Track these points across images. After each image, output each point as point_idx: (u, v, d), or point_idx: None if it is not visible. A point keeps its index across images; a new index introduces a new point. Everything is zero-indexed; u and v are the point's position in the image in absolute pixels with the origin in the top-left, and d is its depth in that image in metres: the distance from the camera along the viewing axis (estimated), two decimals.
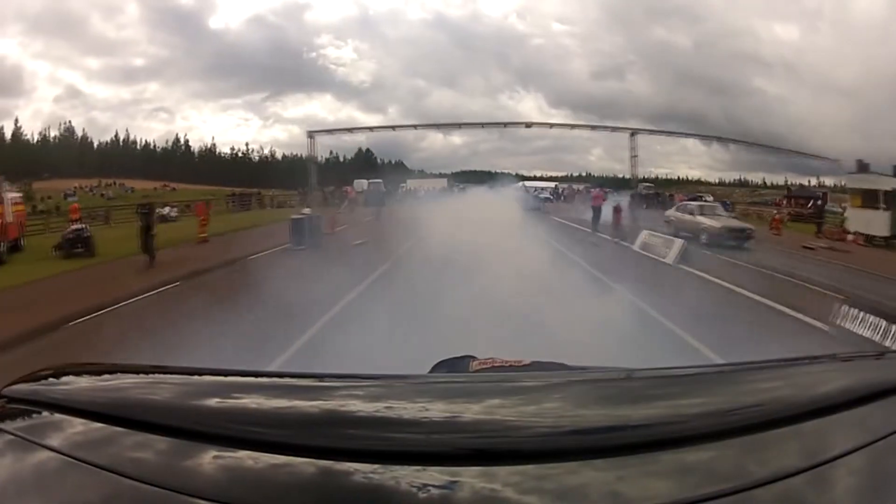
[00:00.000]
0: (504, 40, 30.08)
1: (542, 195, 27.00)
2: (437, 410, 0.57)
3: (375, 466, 0.49)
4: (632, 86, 28.96)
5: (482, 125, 26.75)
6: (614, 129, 23.86)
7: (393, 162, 31.70)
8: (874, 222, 19.33)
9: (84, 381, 0.67)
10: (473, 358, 0.92)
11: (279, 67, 30.46)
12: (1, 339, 5.30)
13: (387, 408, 0.57)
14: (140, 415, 0.56)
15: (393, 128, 27.61)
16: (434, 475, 0.48)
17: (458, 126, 27.58)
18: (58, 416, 0.58)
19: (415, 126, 27.38)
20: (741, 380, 0.70)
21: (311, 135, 26.43)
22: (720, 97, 28.13)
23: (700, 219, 13.79)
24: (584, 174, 31.01)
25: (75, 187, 29.40)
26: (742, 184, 33.73)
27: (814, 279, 7.62)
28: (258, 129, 33.37)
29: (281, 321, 5.67)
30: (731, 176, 34.59)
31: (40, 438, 0.55)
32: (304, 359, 4.60)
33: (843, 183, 24.81)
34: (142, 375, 0.69)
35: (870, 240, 18.92)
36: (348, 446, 0.50)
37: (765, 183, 33.05)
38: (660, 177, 33.04)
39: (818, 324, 6.20)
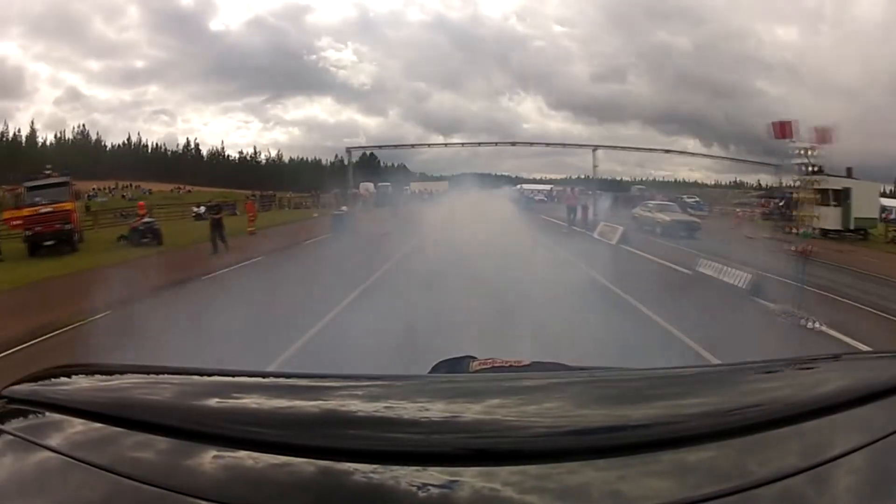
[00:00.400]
0: (504, 43, 30.45)
1: (536, 197, 29.87)
2: (436, 410, 0.58)
3: (375, 466, 0.50)
4: (632, 87, 29.66)
5: (478, 144, 27.77)
6: (580, 145, 26.35)
7: (395, 165, 32.29)
8: (826, 218, 22.25)
9: (84, 382, 0.68)
10: (473, 358, 0.95)
11: (279, 70, 31.18)
12: (170, 280, 8.63)
13: (386, 408, 0.59)
14: (140, 415, 0.57)
15: (411, 146, 29.16)
16: (434, 475, 0.49)
17: (461, 144, 28.75)
18: (58, 416, 0.59)
19: (424, 145, 29.22)
20: (741, 380, 0.72)
21: (349, 150, 28.68)
22: (720, 98, 29.44)
23: (657, 215, 17.12)
24: (583, 176, 30.76)
25: (95, 189, 31.48)
26: (738, 185, 35.99)
27: (719, 253, 10.84)
28: (258, 132, 34.34)
29: (360, 269, 9.14)
30: (729, 178, 33.82)
31: (41, 439, 0.56)
32: (324, 339, 5.69)
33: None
34: (142, 375, 0.71)
35: (825, 233, 21.98)
36: (348, 446, 0.52)
37: (759, 184, 35.06)
38: (658, 179, 33.57)
39: (682, 269, 9.75)
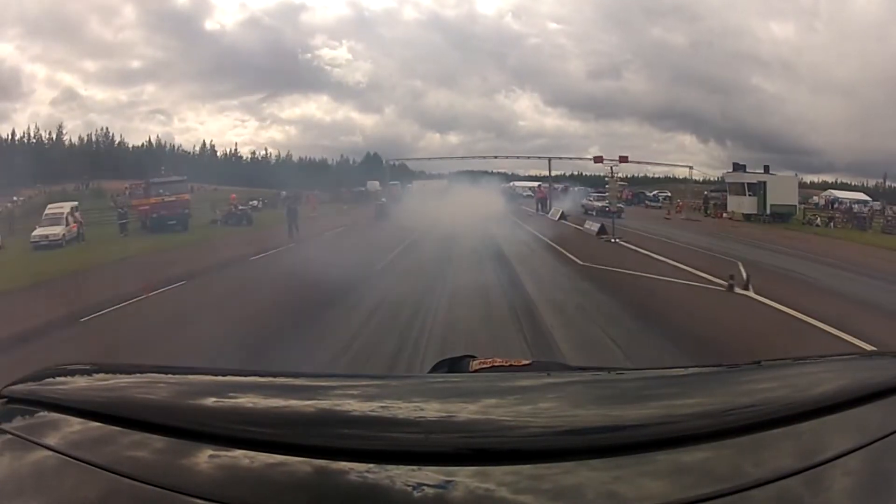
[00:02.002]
0: (500, 40, 31.56)
1: (524, 193, 34.53)
2: (433, 410, 0.61)
3: (371, 466, 0.52)
4: (628, 84, 30.79)
5: (495, 157, 32.01)
6: (539, 157, 29.22)
7: (396, 164, 34.62)
8: (744, 204, 29.99)
9: (83, 381, 0.73)
10: (473, 358, 0.99)
11: (275, 69, 31.70)
12: (296, 239, 16.72)
13: (383, 407, 0.62)
14: (138, 414, 0.60)
15: (457, 159, 32.24)
16: (429, 475, 0.51)
17: (495, 157, 31.96)
18: (57, 415, 0.63)
19: (459, 158, 32.22)
20: (739, 380, 0.76)
21: (386, 161, 33.20)
22: (716, 95, 30.84)
23: (594, 203, 25.44)
24: (576, 173, 33.33)
25: (125, 188, 36.01)
26: (722, 181, 41.71)
27: (618, 223, 18.92)
28: (255, 130, 35.02)
29: (402, 233, 16.90)
30: (720, 173, 34.83)
31: (40, 438, 0.59)
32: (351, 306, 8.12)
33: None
34: (140, 375, 0.75)
35: (748, 217, 29.44)
36: (345, 446, 0.54)
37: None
38: (650, 175, 35.12)
39: (575, 226, 18.27)
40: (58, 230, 20.69)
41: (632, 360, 5.31)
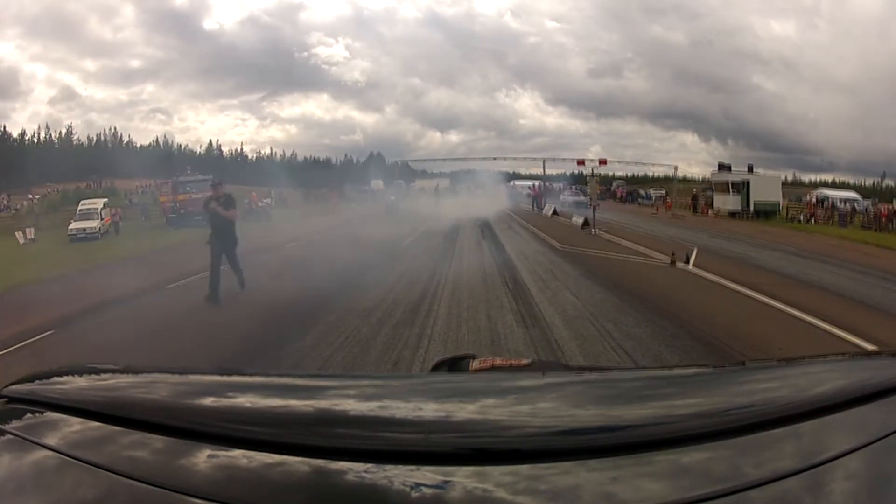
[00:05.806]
0: (500, 38, 33.99)
1: (524, 192, 37.40)
2: (432, 410, 0.64)
3: (369, 465, 0.53)
4: (629, 83, 32.61)
5: (494, 158, 32.73)
6: (533, 159, 31.94)
7: (399, 163, 36.42)
8: (728, 202, 32.56)
9: (83, 382, 0.76)
10: (474, 357, 1.02)
11: (275, 68, 33.61)
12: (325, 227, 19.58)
13: (382, 407, 0.65)
14: (138, 414, 0.62)
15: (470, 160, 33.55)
16: (427, 475, 0.52)
17: (494, 159, 32.95)
18: (57, 416, 0.64)
19: (472, 159, 32.92)
20: (738, 380, 0.79)
21: (396, 162, 34.64)
22: (717, 94, 31.90)
23: (571, 197, 28.37)
24: (575, 173, 34.51)
25: (138, 186, 34.49)
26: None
27: (602, 217, 21.66)
28: (255, 129, 36.20)
29: (407, 223, 19.97)
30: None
31: (40, 438, 0.61)
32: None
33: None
34: (140, 375, 0.79)
35: (733, 214, 31.87)
36: (344, 445, 0.56)
37: None
38: (649, 174, 36.76)
39: (565, 220, 21.23)
40: (94, 224, 23.01)
41: (579, 299, 8.05)
